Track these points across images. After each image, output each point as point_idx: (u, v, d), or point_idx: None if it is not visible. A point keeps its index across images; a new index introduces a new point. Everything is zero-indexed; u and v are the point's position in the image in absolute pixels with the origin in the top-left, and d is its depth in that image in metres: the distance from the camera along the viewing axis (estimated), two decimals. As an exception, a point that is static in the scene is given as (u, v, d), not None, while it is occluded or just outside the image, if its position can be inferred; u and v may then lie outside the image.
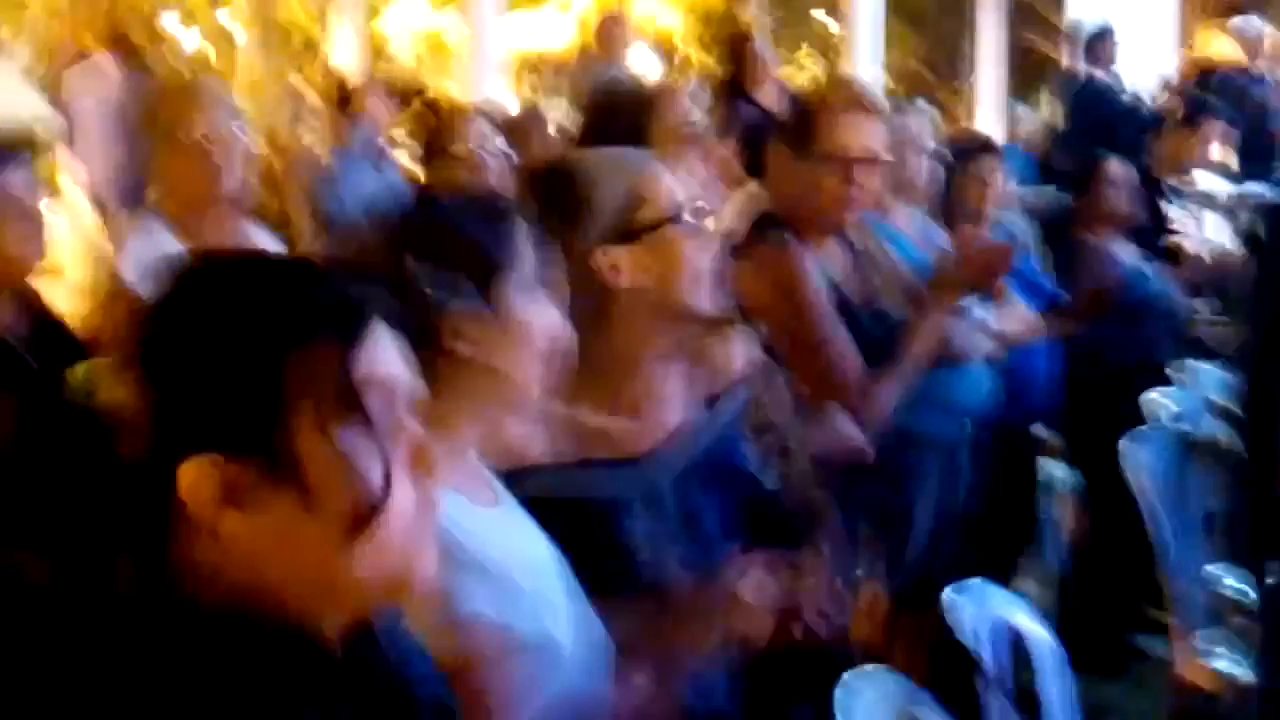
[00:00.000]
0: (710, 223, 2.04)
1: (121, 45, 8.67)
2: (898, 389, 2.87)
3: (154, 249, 2.69)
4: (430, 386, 1.27)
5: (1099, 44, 7.87)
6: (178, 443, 1.04)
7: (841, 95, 2.98)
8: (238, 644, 1.03)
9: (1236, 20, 8.42)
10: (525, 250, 1.65)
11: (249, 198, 3.06)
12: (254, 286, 1.11)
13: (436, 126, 3.84)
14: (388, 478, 1.06)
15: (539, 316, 1.64)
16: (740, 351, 2.19)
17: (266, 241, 3.04)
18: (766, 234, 2.92)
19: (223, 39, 11.50)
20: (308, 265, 1.22)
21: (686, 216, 1.94)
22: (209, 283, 1.13)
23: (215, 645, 1.03)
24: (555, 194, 1.96)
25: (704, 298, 1.96)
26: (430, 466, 1.11)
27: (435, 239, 1.62)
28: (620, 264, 1.91)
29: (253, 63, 10.91)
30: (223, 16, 11.57)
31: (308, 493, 1.05)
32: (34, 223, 2.68)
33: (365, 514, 1.05)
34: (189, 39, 12.43)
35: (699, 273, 1.95)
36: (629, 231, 1.92)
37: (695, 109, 2.66)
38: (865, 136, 2.89)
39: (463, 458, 1.63)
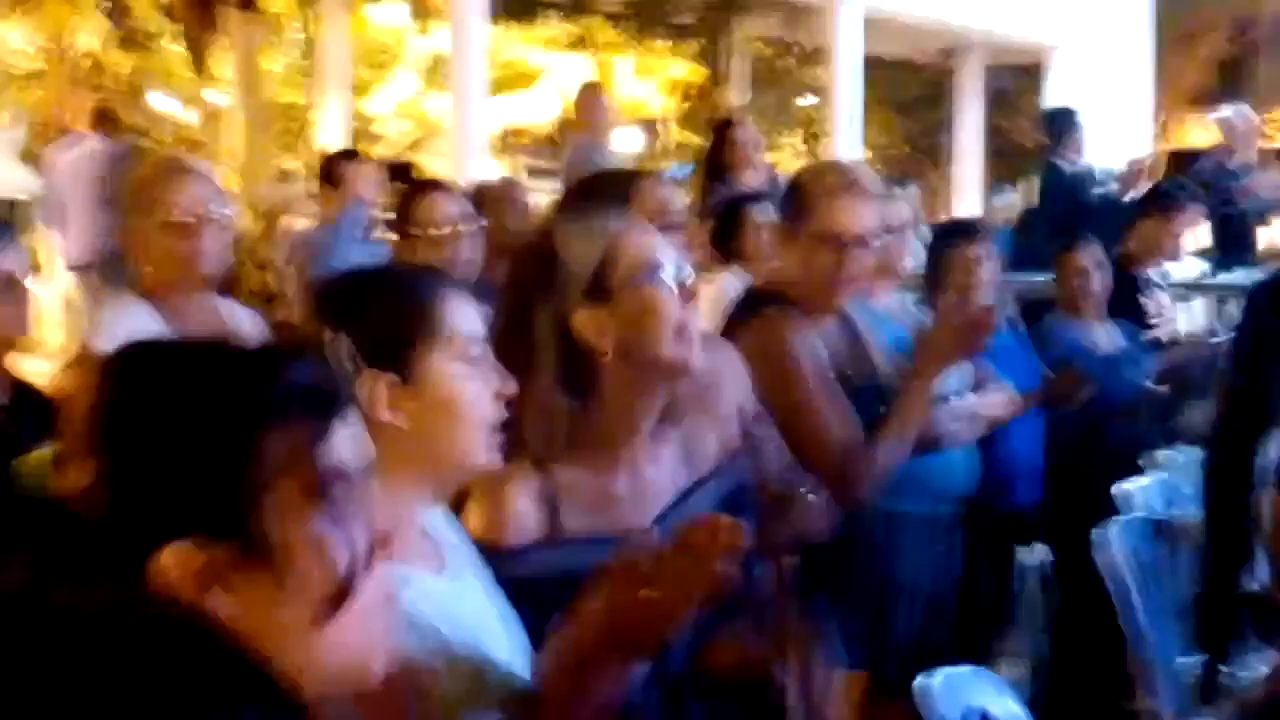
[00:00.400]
0: (691, 285, 2.06)
1: (106, 121, 8.74)
2: (888, 456, 2.88)
3: (131, 327, 2.69)
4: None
5: (1069, 132, 7.98)
6: (149, 525, 1.05)
7: (836, 177, 3.03)
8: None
9: (1219, 111, 8.55)
10: (456, 321, 1.67)
11: (229, 276, 3.08)
12: (227, 368, 1.13)
13: (407, 201, 3.87)
14: (353, 563, 1.07)
15: (466, 387, 1.65)
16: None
17: (248, 320, 3.04)
18: (756, 308, 2.95)
19: (210, 116, 11.58)
20: (280, 349, 1.24)
21: (660, 275, 1.97)
22: (177, 365, 1.15)
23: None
24: (533, 261, 1.99)
25: (683, 351, 1.99)
26: (390, 551, 1.13)
27: (352, 311, 1.65)
28: (597, 324, 1.94)
29: (240, 139, 10.98)
30: (210, 94, 11.65)
31: (280, 574, 1.06)
32: (19, 298, 2.70)
33: (334, 598, 1.06)
34: (177, 115, 12.54)
35: (675, 326, 1.97)
36: (602, 291, 1.95)
37: (676, 195, 2.69)
38: (859, 218, 2.93)
39: (407, 525, 1.64)
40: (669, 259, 2.01)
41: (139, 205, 2.90)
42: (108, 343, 2.69)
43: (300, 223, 7.21)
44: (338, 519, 1.08)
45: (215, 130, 11.38)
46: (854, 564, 2.89)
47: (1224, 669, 2.74)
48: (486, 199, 4.43)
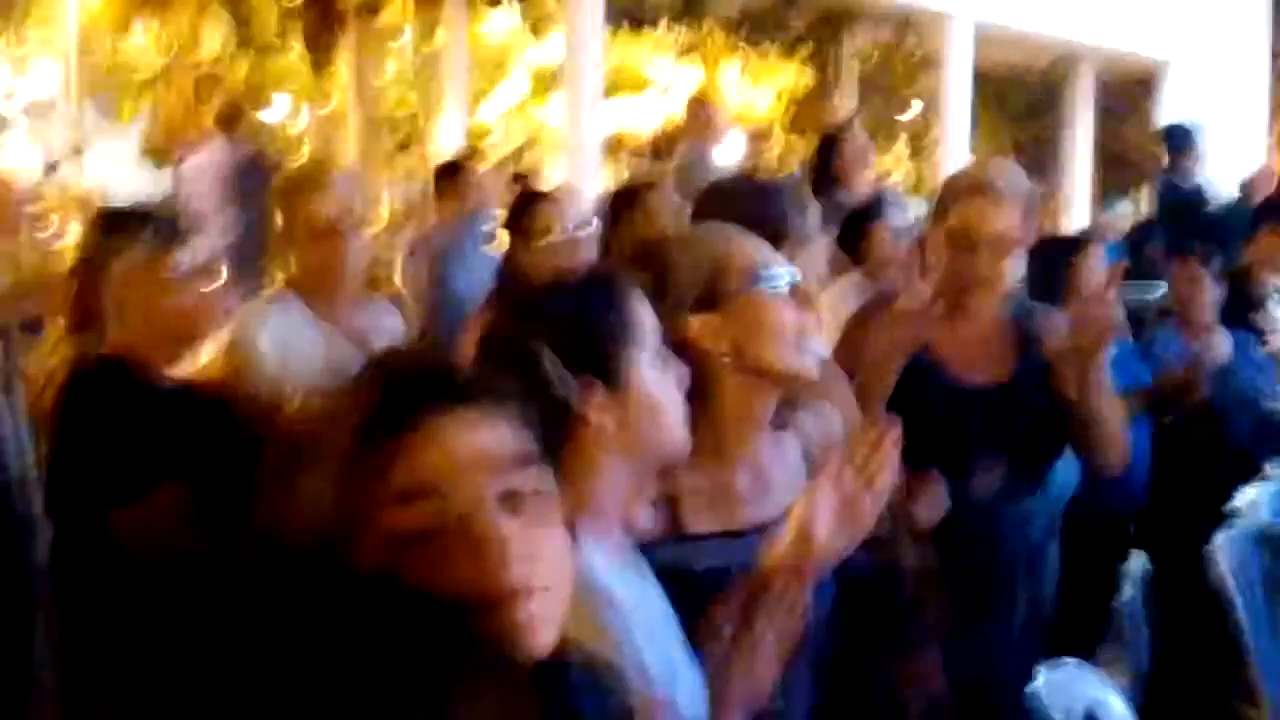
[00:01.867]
0: (805, 289, 2.13)
1: (232, 124, 9.00)
2: None
3: (286, 322, 2.83)
4: (570, 467, 1.38)
5: (1187, 148, 7.93)
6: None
7: (973, 179, 3.10)
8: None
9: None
10: (647, 321, 1.74)
11: (373, 277, 3.23)
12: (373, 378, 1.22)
13: (526, 208, 3.95)
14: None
15: (667, 390, 1.72)
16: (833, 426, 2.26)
17: (393, 320, 3.18)
18: (870, 302, 3.04)
19: (330, 122, 11.83)
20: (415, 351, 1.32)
21: (771, 280, 2.04)
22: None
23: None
24: (645, 269, 2.07)
25: (792, 358, 2.05)
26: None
27: (559, 323, 1.69)
28: (706, 330, 2.01)
29: (354, 145, 11.21)
30: (332, 101, 11.90)
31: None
32: (213, 291, 2.87)
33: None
34: (294, 120, 12.81)
35: (783, 334, 2.04)
36: (711, 298, 2.02)
37: (807, 204, 2.76)
38: (989, 218, 3.00)
39: (608, 532, 1.70)
40: (779, 264, 2.07)
41: (281, 212, 3.03)
42: (263, 334, 2.84)
43: (415, 229, 7.37)
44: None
45: (330, 135, 11.62)
46: (960, 553, 2.96)
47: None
48: (621, 204, 4.51)
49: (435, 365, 1.24)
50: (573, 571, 1.21)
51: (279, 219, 3.07)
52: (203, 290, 2.85)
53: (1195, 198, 7.72)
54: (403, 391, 1.18)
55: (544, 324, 1.69)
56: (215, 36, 12.14)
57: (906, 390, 2.91)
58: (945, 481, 2.91)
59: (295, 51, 12.30)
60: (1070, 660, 2.49)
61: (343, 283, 3.03)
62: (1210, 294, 4.43)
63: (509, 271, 3.97)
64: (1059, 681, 2.39)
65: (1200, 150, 7.92)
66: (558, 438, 1.32)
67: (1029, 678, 2.38)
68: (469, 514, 1.14)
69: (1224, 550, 3.38)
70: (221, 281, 2.93)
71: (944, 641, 2.89)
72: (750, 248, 2.08)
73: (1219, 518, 3.60)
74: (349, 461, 1.15)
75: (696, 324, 2.02)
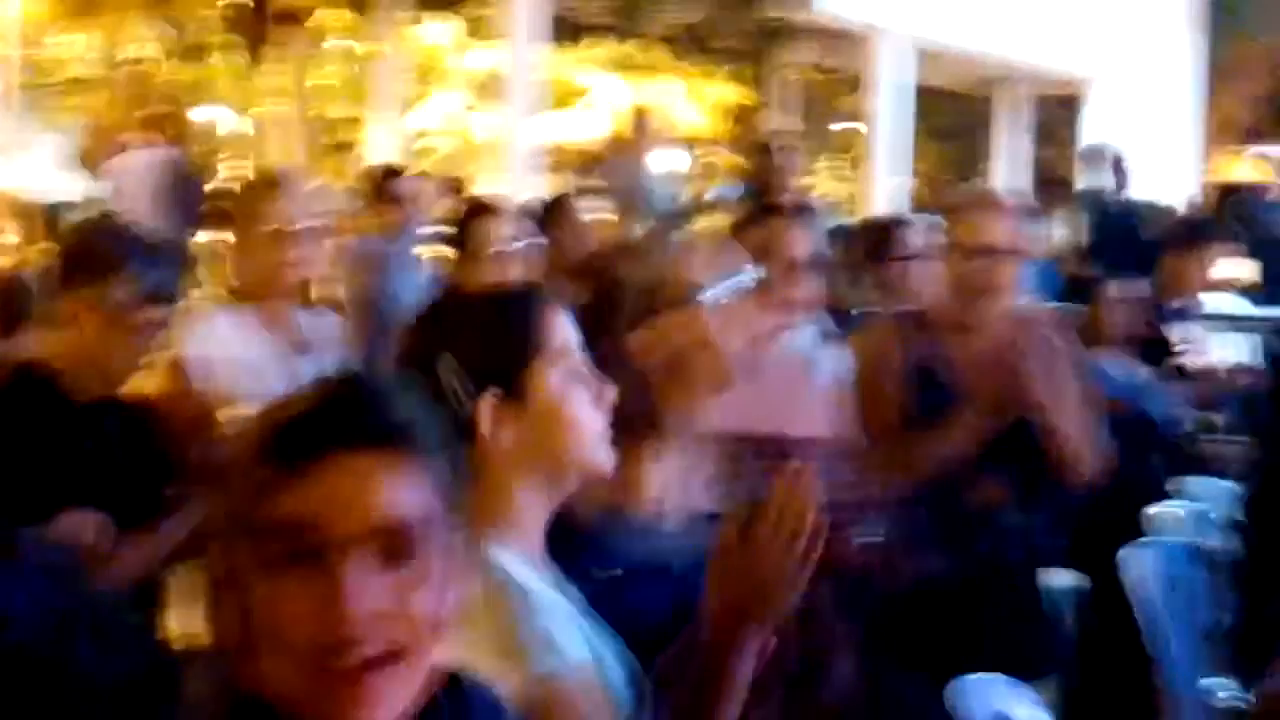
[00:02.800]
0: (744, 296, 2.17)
1: (164, 130, 8.92)
2: (935, 453, 2.99)
3: (219, 333, 2.83)
4: (482, 476, 1.40)
5: (1112, 166, 8.07)
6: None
7: (975, 193, 3.21)
8: None
9: (1263, 146, 8.62)
10: (559, 334, 1.74)
11: (319, 285, 3.23)
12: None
13: (466, 219, 3.96)
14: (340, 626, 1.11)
15: (577, 405, 1.72)
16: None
17: (328, 329, 3.18)
18: (877, 318, 3.11)
19: (260, 128, 11.76)
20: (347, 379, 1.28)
21: (713, 292, 2.09)
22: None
23: None
24: (589, 284, 2.11)
25: (733, 365, 2.10)
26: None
27: (462, 333, 1.71)
28: (641, 345, 2.05)
29: (289, 151, 11.15)
30: (259, 107, 11.84)
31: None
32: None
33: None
34: (228, 126, 12.72)
35: (724, 342, 2.09)
36: (656, 309, 2.07)
37: (812, 237, 2.84)
38: (987, 231, 3.08)
39: (523, 543, 1.71)
40: (714, 278, 2.12)
41: (238, 218, 3.02)
42: (194, 347, 2.84)
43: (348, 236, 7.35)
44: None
45: (265, 142, 11.56)
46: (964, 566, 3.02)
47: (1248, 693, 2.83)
48: (548, 216, 4.55)
49: (356, 401, 1.20)
50: (444, 642, 1.18)
51: (233, 224, 3.06)
52: (149, 318, 2.78)
53: (1122, 217, 7.84)
54: (313, 423, 1.17)
55: (448, 334, 1.72)
56: (147, 40, 12.05)
57: (919, 401, 2.99)
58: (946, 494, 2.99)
59: (228, 55, 12.23)
60: (985, 673, 2.55)
61: (288, 290, 3.04)
62: (1119, 315, 4.50)
63: (449, 283, 3.97)
64: (973, 690, 2.44)
65: (1116, 168, 8.05)
66: (461, 448, 1.32)
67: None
68: (327, 555, 1.11)
69: (1141, 563, 3.46)
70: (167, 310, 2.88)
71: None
72: (696, 261, 2.14)
73: (1136, 534, 3.68)
74: (242, 481, 1.15)
75: (634, 339, 2.05)
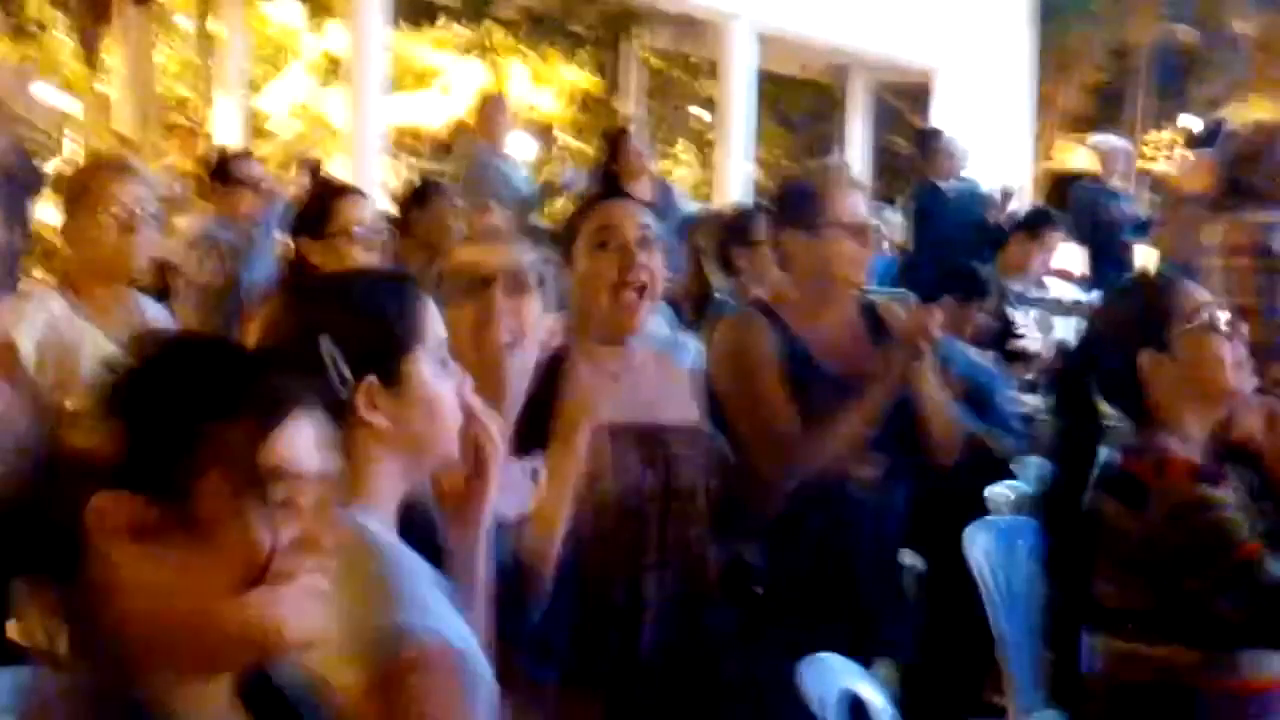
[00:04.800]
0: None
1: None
2: (817, 447, 3.00)
3: (48, 318, 2.75)
4: (350, 455, 1.41)
5: (943, 152, 8.23)
6: (99, 477, 1.18)
7: (838, 173, 3.20)
8: None
9: (1096, 136, 8.86)
10: (433, 326, 1.77)
11: (148, 273, 3.16)
12: (196, 360, 1.26)
13: (324, 204, 3.89)
14: (271, 553, 1.19)
15: (443, 389, 1.75)
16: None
17: (161, 317, 3.11)
18: (736, 312, 3.09)
19: (98, 108, 11.44)
20: (242, 350, 1.36)
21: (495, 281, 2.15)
22: (169, 353, 1.27)
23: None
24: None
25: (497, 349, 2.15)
26: (320, 550, 1.23)
27: (340, 316, 1.72)
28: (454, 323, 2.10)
29: (127, 132, 10.85)
30: (99, 86, 11.52)
31: (202, 544, 1.19)
32: None
33: (247, 575, 1.19)
34: (63, 107, 12.34)
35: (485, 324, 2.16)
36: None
37: (648, 216, 2.78)
38: (862, 209, 3.11)
39: (383, 515, 1.73)
40: (503, 264, 2.17)
41: (78, 200, 2.94)
42: (25, 333, 2.75)
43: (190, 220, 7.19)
44: (270, 509, 1.19)
45: (102, 123, 11.24)
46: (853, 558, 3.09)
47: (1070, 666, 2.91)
48: (415, 202, 4.50)
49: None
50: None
51: (63, 210, 2.97)
52: None
53: (959, 203, 8.00)
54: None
55: (329, 318, 1.71)
56: (-21, 16, 11.65)
57: (793, 385, 2.99)
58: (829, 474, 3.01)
59: (61, 35, 11.88)
60: (826, 652, 2.58)
61: (123, 277, 2.96)
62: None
63: (298, 266, 3.90)
64: (817, 671, 2.47)
65: (951, 153, 8.20)
66: (343, 429, 1.34)
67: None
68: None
69: (977, 543, 3.53)
70: None
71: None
72: (471, 249, 2.19)
73: (977, 512, 3.77)
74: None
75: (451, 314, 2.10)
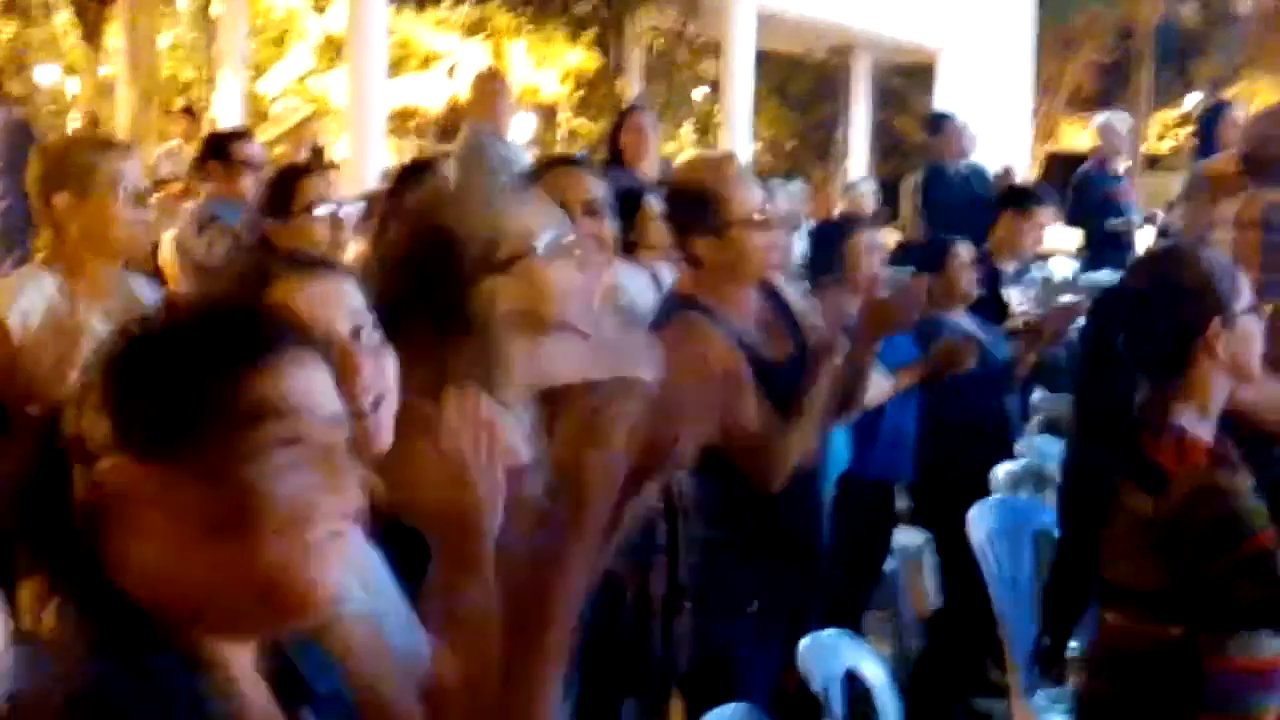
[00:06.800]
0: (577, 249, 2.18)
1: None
2: (804, 432, 3.00)
3: (39, 296, 2.75)
4: None
5: (951, 132, 8.23)
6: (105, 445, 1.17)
7: (732, 166, 3.15)
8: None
9: (1099, 117, 8.85)
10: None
11: (140, 249, 3.15)
12: (184, 320, 1.26)
13: (288, 183, 3.86)
14: (287, 501, 1.18)
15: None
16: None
17: (151, 294, 3.10)
18: (674, 313, 3.05)
19: (98, 88, 11.44)
20: (228, 303, 1.37)
21: (547, 243, 2.09)
22: (172, 322, 1.27)
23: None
24: (426, 243, 2.09)
25: (576, 315, 2.11)
26: (344, 500, 1.21)
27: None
28: (495, 294, 2.05)
29: (128, 112, 10.85)
30: (105, 69, 11.52)
31: (213, 497, 1.16)
32: None
33: (262, 525, 1.16)
34: (63, 86, 12.36)
35: (567, 293, 2.09)
36: (496, 264, 2.06)
37: (598, 184, 2.75)
38: (759, 196, 3.09)
39: None
40: (554, 228, 2.13)
41: (71, 179, 2.93)
42: (17, 310, 2.75)
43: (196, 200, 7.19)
44: (276, 456, 1.17)
45: (103, 103, 11.25)
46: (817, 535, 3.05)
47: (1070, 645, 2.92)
48: (405, 181, 4.47)
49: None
50: None
51: (55, 188, 2.95)
52: None
53: (957, 182, 8.00)
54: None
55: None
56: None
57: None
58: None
59: (64, 17, 11.87)
60: (831, 629, 2.59)
61: (115, 255, 2.96)
62: (965, 278, 4.60)
63: (262, 245, 3.86)
64: (819, 648, 2.48)
65: (961, 135, 8.20)
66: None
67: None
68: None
69: (981, 522, 3.54)
70: None
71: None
72: (525, 214, 2.12)
73: (981, 492, 3.77)
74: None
75: (486, 289, 2.04)
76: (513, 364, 2.07)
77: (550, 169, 2.87)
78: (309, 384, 1.22)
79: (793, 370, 3.02)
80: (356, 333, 1.72)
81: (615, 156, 6.58)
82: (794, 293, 3.20)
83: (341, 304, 1.73)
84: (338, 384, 1.30)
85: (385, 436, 1.71)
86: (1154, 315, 2.48)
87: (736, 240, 3.01)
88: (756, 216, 3.01)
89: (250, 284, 1.70)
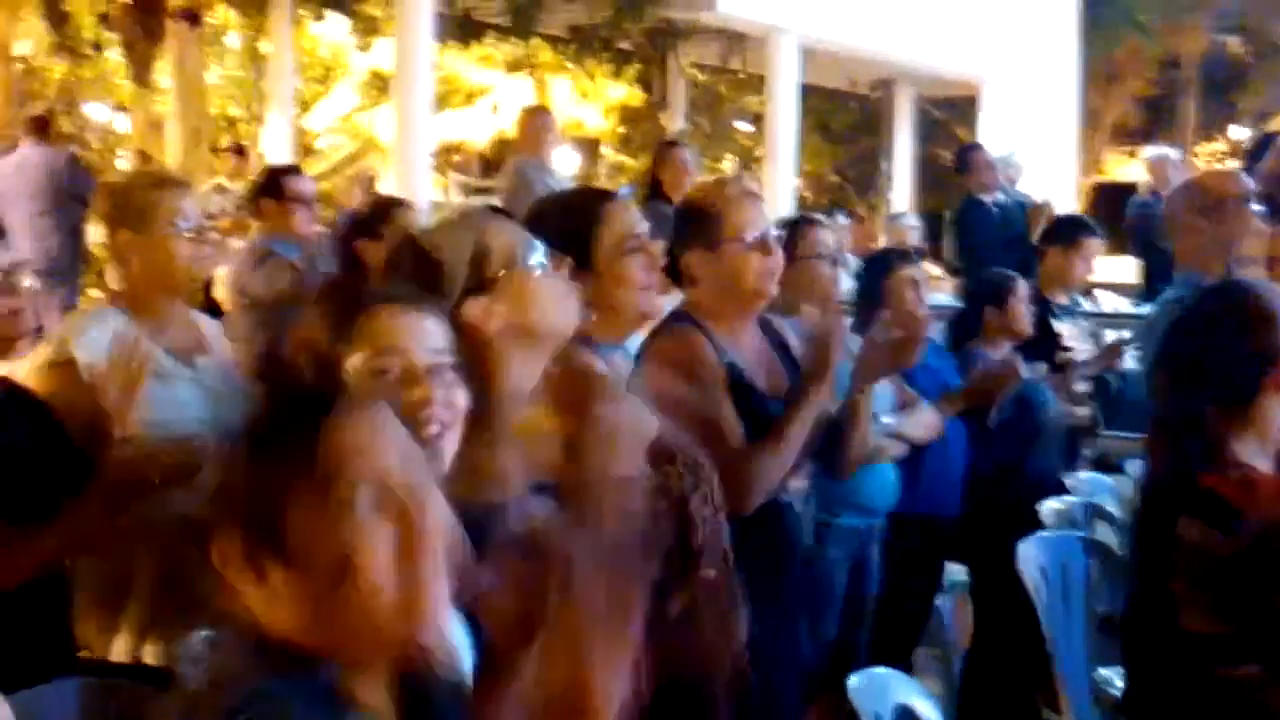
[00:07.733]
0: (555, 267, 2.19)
1: (43, 130, 8.74)
2: (780, 457, 2.96)
3: (109, 334, 2.79)
4: None
5: (982, 166, 8.19)
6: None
7: (735, 187, 3.15)
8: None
9: (1149, 149, 8.81)
10: None
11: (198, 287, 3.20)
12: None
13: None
14: (353, 547, 1.20)
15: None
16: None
17: (215, 330, 3.14)
18: (669, 326, 3.04)
19: (148, 126, 11.57)
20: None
21: (531, 261, 2.11)
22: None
23: None
24: (410, 268, 2.11)
25: (561, 320, 2.13)
26: (423, 533, 1.26)
27: None
28: (483, 313, 2.06)
29: (177, 150, 10.97)
30: (149, 104, 11.66)
31: (294, 558, 1.21)
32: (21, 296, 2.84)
33: (338, 575, 1.20)
34: (113, 125, 12.50)
35: (552, 301, 2.12)
36: (479, 284, 2.08)
37: (641, 219, 2.75)
38: (764, 220, 3.08)
39: None
40: (536, 243, 2.16)
41: (131, 216, 2.98)
42: (86, 348, 2.79)
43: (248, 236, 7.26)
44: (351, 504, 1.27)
45: (153, 141, 11.37)
46: (789, 570, 3.02)
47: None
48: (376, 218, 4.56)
49: None
50: None
51: (117, 226, 3.00)
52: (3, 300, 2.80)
53: (1002, 216, 7.95)
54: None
55: None
56: (30, 38, 11.80)
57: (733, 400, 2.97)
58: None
59: (114, 55, 12.03)
60: (882, 667, 2.57)
61: (177, 292, 3.00)
62: (1018, 316, 4.57)
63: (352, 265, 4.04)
64: (870, 685, 2.46)
65: (991, 167, 8.15)
66: None
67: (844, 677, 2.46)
68: None
69: (1032, 558, 3.51)
70: (25, 292, 2.88)
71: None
72: (507, 230, 2.15)
73: (1030, 527, 3.74)
74: None
75: (474, 308, 2.06)
76: (507, 380, 2.09)
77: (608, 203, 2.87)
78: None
79: (781, 405, 3.01)
80: (432, 367, 1.80)
81: (655, 190, 6.62)
82: (795, 338, 3.18)
83: (423, 338, 1.83)
84: (405, 414, 1.34)
85: (445, 465, 1.77)
86: (1231, 341, 2.47)
87: (728, 257, 2.99)
88: (750, 237, 3.00)
89: (345, 309, 1.78)
